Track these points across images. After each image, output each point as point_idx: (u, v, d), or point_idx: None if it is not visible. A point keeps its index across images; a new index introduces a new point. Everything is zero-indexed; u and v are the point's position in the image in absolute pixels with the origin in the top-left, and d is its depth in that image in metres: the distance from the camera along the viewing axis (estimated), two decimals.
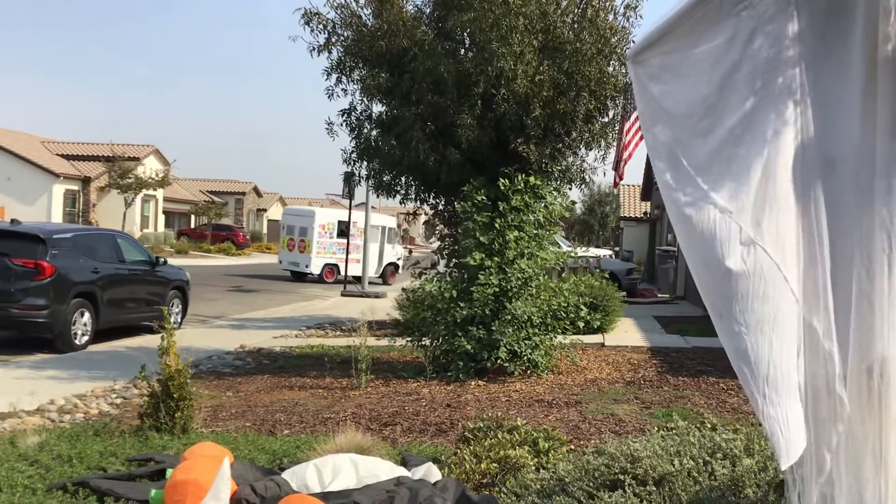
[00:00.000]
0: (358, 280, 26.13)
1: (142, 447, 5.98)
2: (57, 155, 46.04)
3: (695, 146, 2.17)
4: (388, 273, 31.24)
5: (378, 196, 12.05)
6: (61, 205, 42.89)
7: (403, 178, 11.14)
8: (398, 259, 32.53)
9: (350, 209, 25.69)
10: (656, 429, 5.29)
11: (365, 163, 11.07)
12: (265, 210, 74.27)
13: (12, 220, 13.29)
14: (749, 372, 2.10)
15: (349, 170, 11.38)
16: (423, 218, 13.18)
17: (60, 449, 5.75)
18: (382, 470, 4.80)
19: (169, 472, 4.90)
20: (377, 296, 23.51)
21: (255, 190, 71.92)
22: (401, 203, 11.53)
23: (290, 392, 8.94)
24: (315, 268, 29.26)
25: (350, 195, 23.58)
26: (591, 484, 4.17)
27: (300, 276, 29.94)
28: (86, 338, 12.24)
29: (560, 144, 10.62)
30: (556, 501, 4.14)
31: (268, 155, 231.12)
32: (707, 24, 2.10)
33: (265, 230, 71.95)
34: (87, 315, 12.25)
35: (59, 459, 5.50)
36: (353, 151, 10.95)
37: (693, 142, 2.18)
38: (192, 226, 57.61)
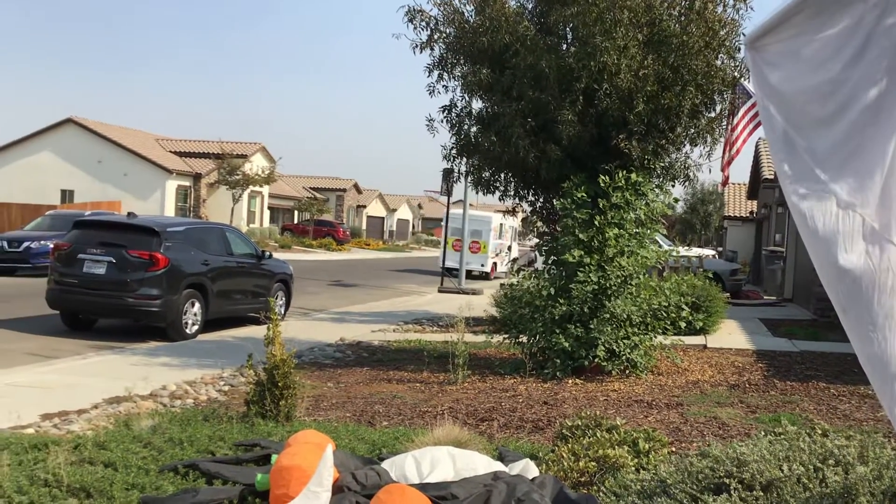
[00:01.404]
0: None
1: (248, 433, 6.18)
2: (170, 152, 48.11)
3: (815, 135, 2.08)
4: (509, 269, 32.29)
5: (477, 193, 12.07)
6: (174, 200, 44.80)
7: (503, 175, 11.14)
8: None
9: (448, 206, 25.88)
10: (763, 433, 5.11)
11: (464, 159, 11.13)
12: (364, 206, 75.60)
13: (129, 214, 13.96)
14: (878, 371, 1.98)
15: (448, 166, 11.46)
16: (521, 215, 13.13)
17: (172, 432, 5.99)
18: (480, 464, 4.81)
19: (274, 457, 5.04)
20: (474, 292, 23.57)
21: (356, 187, 73.28)
22: (500, 200, 11.54)
23: (388, 385, 9.07)
24: (487, 266, 32.76)
25: (448, 192, 23.78)
26: (695, 487, 4.07)
27: (448, 271, 30.60)
28: (196, 327, 12.73)
29: (663, 140, 10.39)
30: (658, 503, 4.06)
31: (368, 152, 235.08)
32: (833, 7, 2.00)
33: (364, 226, 73.27)
34: (197, 305, 12.74)
35: (171, 442, 5.73)
36: (452, 148, 11.03)
37: (814, 131, 2.08)
38: (295, 221, 59.19)
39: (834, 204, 2.01)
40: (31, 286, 18.11)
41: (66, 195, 43.36)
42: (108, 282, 12.02)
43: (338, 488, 4.23)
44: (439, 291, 24.05)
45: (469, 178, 11.49)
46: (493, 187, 11.17)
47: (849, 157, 2.01)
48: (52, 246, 20.18)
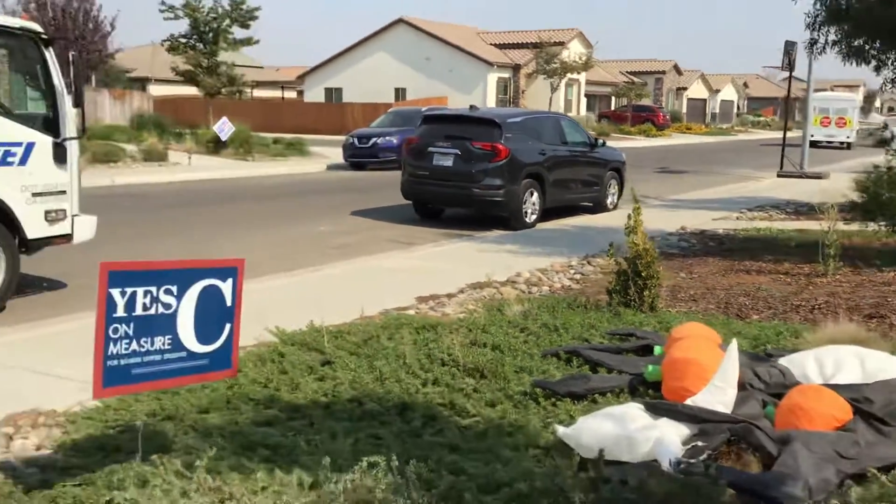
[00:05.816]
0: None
1: (616, 322, 6.15)
2: (490, 45, 49.19)
3: None
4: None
5: (845, 63, 10.72)
6: (494, 92, 46.03)
7: (878, 42, 9.72)
8: None
9: (790, 81, 23.67)
10: None
11: (832, 27, 9.85)
12: (685, 88, 71.95)
13: (471, 107, 14.42)
14: None
15: (812, 37, 10.23)
16: (861, 91, 11.52)
17: (543, 318, 6.14)
18: (892, 367, 4.32)
19: (658, 349, 4.95)
20: (819, 176, 21.57)
21: (675, 68, 69.83)
22: (874, 70, 10.12)
23: (746, 276, 8.56)
24: (851, 138, 39.33)
25: (790, 66, 21.66)
26: None
27: (813, 144, 32.04)
28: (534, 216, 12.97)
29: None
30: None
31: (689, 28, 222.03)
32: None
33: (685, 109, 69.96)
34: (535, 195, 12.95)
35: (545, 328, 5.88)
36: (817, 15, 9.80)
37: None
38: (612, 108, 58.12)
39: None
40: (380, 179, 19.75)
41: (399, 93, 46.35)
42: (455, 173, 12.61)
43: (740, 385, 4.02)
44: (778, 176, 22.32)
45: (837, 48, 10.19)
46: (868, 56, 9.81)
47: None
48: (395, 141, 21.84)
